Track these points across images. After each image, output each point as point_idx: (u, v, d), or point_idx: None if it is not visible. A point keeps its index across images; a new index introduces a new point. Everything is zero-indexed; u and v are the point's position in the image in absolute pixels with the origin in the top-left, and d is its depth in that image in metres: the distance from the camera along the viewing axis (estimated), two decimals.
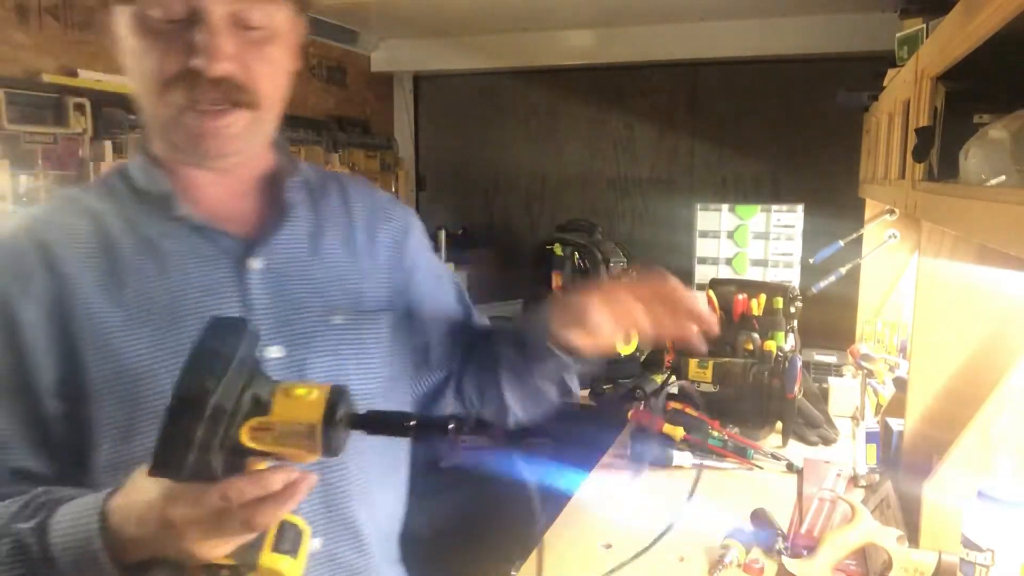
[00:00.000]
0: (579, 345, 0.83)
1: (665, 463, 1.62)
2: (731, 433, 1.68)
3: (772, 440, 1.76)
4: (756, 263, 2.59)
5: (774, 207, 2.58)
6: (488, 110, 3.77)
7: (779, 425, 1.77)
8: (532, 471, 0.82)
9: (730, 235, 2.62)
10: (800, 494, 1.49)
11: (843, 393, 1.97)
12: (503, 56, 3.44)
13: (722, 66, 3.31)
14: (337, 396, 0.60)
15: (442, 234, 3.24)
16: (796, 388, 1.73)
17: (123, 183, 0.85)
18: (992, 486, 1.02)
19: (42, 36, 2.23)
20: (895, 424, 1.40)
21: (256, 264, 0.83)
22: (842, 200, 2.56)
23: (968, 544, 1.04)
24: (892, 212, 2.11)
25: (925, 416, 1.27)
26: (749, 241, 2.59)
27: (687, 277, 2.69)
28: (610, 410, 2.07)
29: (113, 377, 0.76)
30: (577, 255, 2.73)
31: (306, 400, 0.59)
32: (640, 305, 0.80)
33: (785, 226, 2.55)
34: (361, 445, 0.84)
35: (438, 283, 1.02)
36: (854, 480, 1.53)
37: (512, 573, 1.19)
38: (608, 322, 0.81)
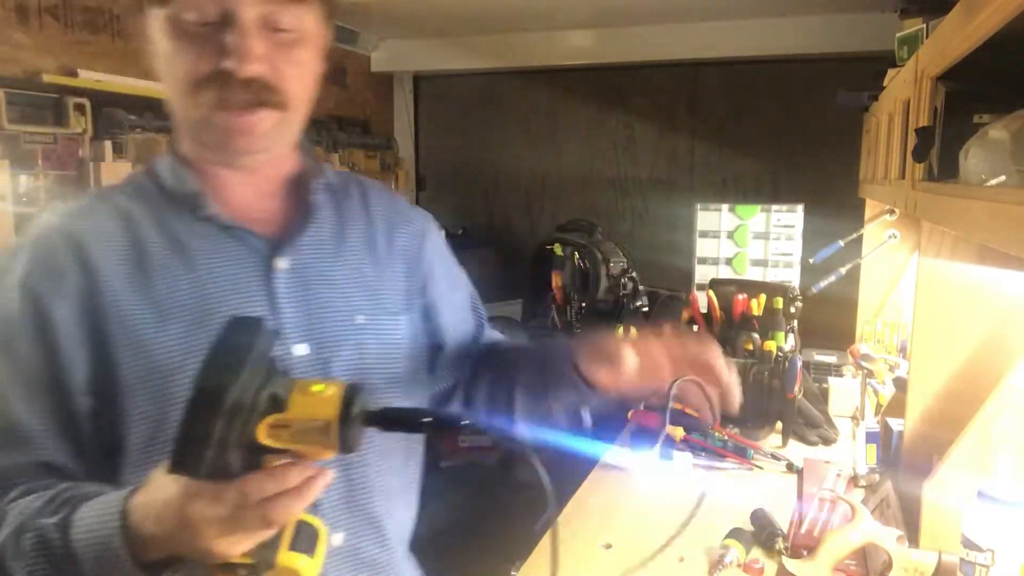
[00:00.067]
0: (601, 381, 0.84)
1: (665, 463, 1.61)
2: (731, 433, 1.68)
3: (772, 440, 1.76)
4: (756, 263, 2.59)
5: (774, 207, 2.58)
6: (488, 110, 3.77)
7: (779, 425, 1.77)
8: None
9: (730, 235, 2.61)
10: (800, 494, 1.49)
11: (843, 393, 1.96)
12: (503, 56, 3.45)
13: (722, 66, 3.31)
14: (353, 393, 0.60)
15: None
16: (796, 388, 1.73)
17: (152, 183, 0.87)
18: (992, 486, 1.02)
19: (42, 36, 2.24)
20: (895, 424, 1.40)
21: (282, 264, 0.85)
22: (842, 200, 2.56)
23: (968, 544, 1.04)
24: (892, 212, 2.11)
25: (925, 416, 1.27)
26: (749, 241, 2.59)
27: (687, 277, 2.69)
28: (610, 410, 2.07)
29: (144, 375, 0.77)
30: (577, 255, 2.73)
31: (322, 397, 0.60)
32: (670, 365, 0.81)
33: (785, 226, 2.55)
34: (383, 442, 0.86)
35: (453, 289, 1.03)
36: (854, 480, 1.52)
37: (512, 573, 1.19)
38: (635, 369, 0.82)
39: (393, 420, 0.63)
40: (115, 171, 2.30)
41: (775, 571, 1.18)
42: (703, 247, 2.65)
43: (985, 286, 1.19)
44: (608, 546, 1.29)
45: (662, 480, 1.53)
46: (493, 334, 1.08)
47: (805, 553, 1.17)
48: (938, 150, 1.03)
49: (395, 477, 0.92)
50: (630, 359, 0.81)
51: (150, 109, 2.45)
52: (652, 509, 1.42)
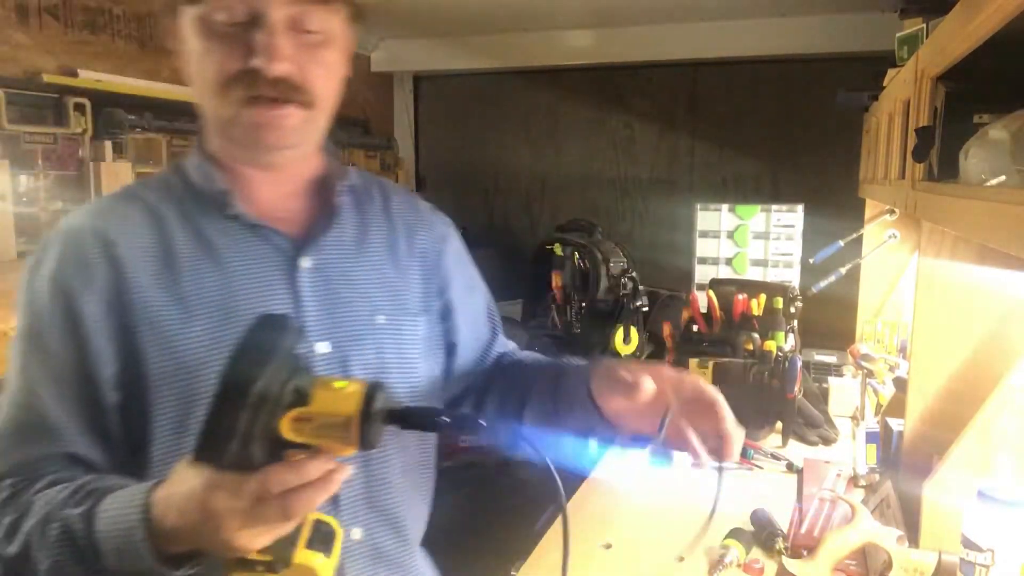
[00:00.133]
0: (614, 410, 0.84)
1: (666, 463, 1.61)
2: None
3: (772, 440, 1.76)
4: (756, 263, 2.59)
5: (774, 207, 2.58)
6: (488, 110, 3.77)
7: (779, 425, 1.77)
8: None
9: (730, 235, 2.61)
10: (800, 494, 1.49)
11: (843, 393, 1.96)
12: (503, 56, 3.44)
13: (722, 66, 3.31)
14: (374, 390, 0.61)
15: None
16: (796, 388, 1.73)
17: (180, 181, 0.88)
18: (992, 486, 1.02)
19: (42, 36, 2.24)
20: (895, 424, 1.40)
21: (306, 263, 0.87)
22: (842, 200, 2.56)
23: (968, 544, 1.04)
24: (892, 212, 2.11)
25: (925, 416, 1.27)
26: (749, 241, 2.59)
27: (687, 277, 2.69)
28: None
29: (171, 370, 0.79)
30: (577, 255, 2.73)
31: (344, 393, 0.61)
32: (674, 401, 0.80)
33: (785, 226, 2.55)
34: (401, 440, 0.88)
35: (470, 295, 1.04)
36: (854, 480, 1.52)
37: (512, 573, 1.19)
38: (651, 399, 0.81)
39: (413, 419, 0.64)
40: (115, 171, 2.30)
41: (775, 571, 1.18)
42: (703, 247, 2.65)
43: (985, 286, 1.19)
44: (608, 546, 1.29)
45: (662, 480, 1.52)
46: (508, 344, 1.10)
47: (805, 553, 1.17)
48: (938, 150, 1.03)
49: (412, 475, 0.94)
50: (648, 388, 0.80)
51: (150, 109, 2.45)
52: (652, 509, 1.42)
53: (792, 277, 2.52)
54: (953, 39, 0.91)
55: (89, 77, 2.33)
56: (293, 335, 0.63)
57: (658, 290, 2.81)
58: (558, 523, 1.35)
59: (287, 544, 0.62)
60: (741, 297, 2.02)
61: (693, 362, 1.85)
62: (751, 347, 1.88)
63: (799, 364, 1.77)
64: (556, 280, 2.74)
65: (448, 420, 0.65)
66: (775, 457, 1.65)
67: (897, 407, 1.46)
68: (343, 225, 0.91)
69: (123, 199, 0.87)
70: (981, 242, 0.84)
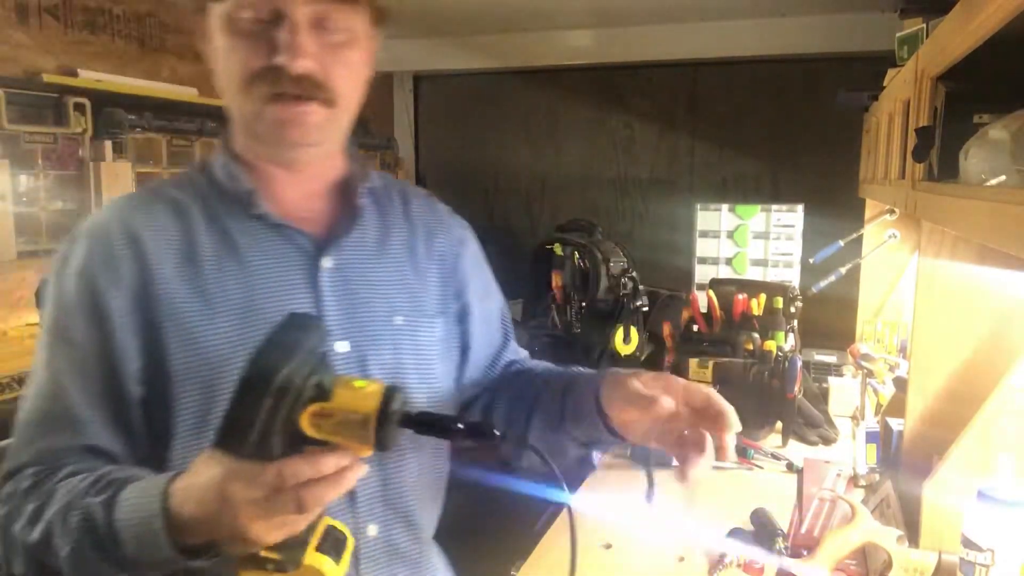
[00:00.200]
0: (623, 420, 0.83)
1: (666, 463, 1.61)
2: None
3: (772, 440, 1.76)
4: (756, 263, 2.59)
5: (774, 207, 2.58)
6: (488, 110, 3.77)
7: (779, 425, 1.77)
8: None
9: (730, 235, 2.62)
10: (800, 494, 1.49)
11: (843, 393, 1.97)
12: (503, 56, 3.45)
13: (722, 66, 3.31)
14: (392, 392, 0.62)
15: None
16: (796, 388, 1.73)
17: (206, 180, 0.89)
18: (992, 486, 1.02)
19: (42, 36, 2.24)
20: (895, 424, 1.40)
21: (328, 263, 0.88)
22: (842, 200, 2.56)
23: (968, 544, 1.04)
24: (892, 212, 2.11)
25: (925, 416, 1.27)
26: (749, 241, 2.59)
27: (687, 277, 2.69)
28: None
29: (194, 366, 0.80)
30: (577, 255, 2.73)
31: (364, 392, 0.62)
32: (680, 407, 0.78)
33: (785, 226, 2.55)
34: (417, 440, 0.87)
35: (486, 299, 1.05)
36: (854, 480, 1.52)
37: (512, 573, 1.19)
38: (666, 414, 0.79)
39: (428, 424, 0.65)
40: (115, 171, 2.30)
41: (775, 571, 1.18)
42: (703, 247, 2.66)
43: (985, 286, 1.19)
44: (608, 546, 1.29)
45: (662, 480, 1.52)
46: (519, 351, 1.10)
47: (805, 553, 1.17)
48: (938, 150, 1.03)
49: (427, 474, 0.94)
50: (667, 405, 0.77)
51: (150, 109, 2.45)
52: (652, 509, 1.42)
53: (792, 277, 2.52)
54: (953, 39, 0.91)
55: (89, 77, 2.33)
56: (319, 334, 0.65)
57: (658, 290, 2.81)
58: (558, 523, 1.35)
59: (298, 544, 0.63)
60: (741, 297, 2.02)
61: (693, 362, 1.85)
62: (751, 347, 1.88)
63: (799, 364, 1.77)
64: (556, 280, 2.74)
65: (463, 428, 0.65)
66: (775, 457, 1.65)
67: (897, 407, 1.46)
68: (364, 227, 0.92)
69: (149, 196, 0.88)
70: (981, 242, 0.84)
